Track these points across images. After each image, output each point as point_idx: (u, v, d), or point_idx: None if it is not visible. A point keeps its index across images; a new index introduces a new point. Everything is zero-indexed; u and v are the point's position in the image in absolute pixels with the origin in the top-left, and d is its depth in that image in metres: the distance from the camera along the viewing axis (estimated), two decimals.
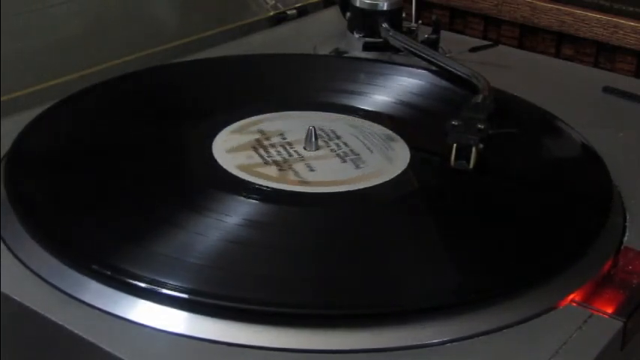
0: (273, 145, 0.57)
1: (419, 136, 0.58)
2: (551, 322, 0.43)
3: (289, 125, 0.59)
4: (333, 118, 0.61)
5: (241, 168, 0.53)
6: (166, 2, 0.77)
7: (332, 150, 0.56)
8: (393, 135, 0.58)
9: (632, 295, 0.45)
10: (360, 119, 0.60)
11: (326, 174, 0.53)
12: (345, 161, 0.55)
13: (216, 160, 0.54)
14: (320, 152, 0.56)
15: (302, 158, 0.55)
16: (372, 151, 0.56)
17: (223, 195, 0.50)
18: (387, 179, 0.53)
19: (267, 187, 0.51)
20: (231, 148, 0.56)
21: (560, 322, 0.43)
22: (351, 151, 0.56)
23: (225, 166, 0.53)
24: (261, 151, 0.56)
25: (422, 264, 0.46)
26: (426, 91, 0.65)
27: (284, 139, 0.57)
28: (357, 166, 0.54)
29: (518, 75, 0.72)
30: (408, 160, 0.55)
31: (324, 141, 0.57)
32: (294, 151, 0.56)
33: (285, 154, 0.55)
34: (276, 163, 0.54)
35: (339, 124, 0.60)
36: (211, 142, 0.56)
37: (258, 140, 0.57)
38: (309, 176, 0.53)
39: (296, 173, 0.53)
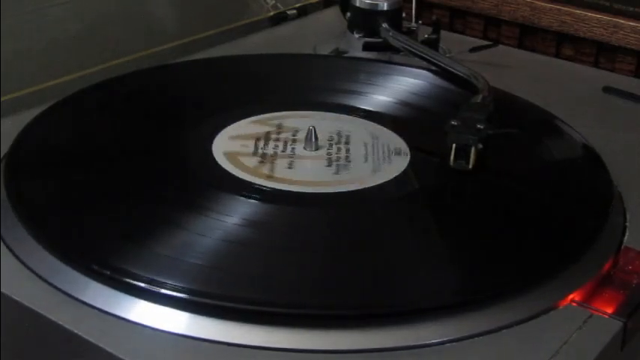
0: (277, 139, 0.57)
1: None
2: (551, 322, 0.43)
3: (308, 124, 0.57)
4: (358, 124, 0.60)
5: (226, 155, 0.54)
6: (166, 2, 0.77)
7: (328, 153, 0.56)
8: (404, 149, 0.56)
9: (632, 295, 0.45)
10: (385, 129, 0.59)
11: (300, 174, 0.53)
12: (329, 165, 0.54)
13: (210, 147, 0.55)
14: (314, 153, 0.56)
15: (291, 155, 0.55)
16: (366, 161, 0.55)
17: (195, 177, 0.51)
18: (354, 189, 0.51)
19: (230, 174, 0.52)
20: (236, 135, 0.56)
21: (560, 322, 0.43)
22: (346, 157, 0.55)
23: (214, 151, 0.54)
24: (261, 142, 0.56)
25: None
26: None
27: (294, 135, 0.57)
28: (337, 172, 0.53)
29: (518, 75, 0.72)
30: (394, 175, 0.53)
31: (330, 144, 0.57)
32: (292, 148, 0.56)
33: (279, 149, 0.55)
34: (262, 155, 0.54)
35: (360, 131, 0.59)
36: (212, 138, 0.56)
37: (268, 132, 0.57)
38: (282, 173, 0.53)
39: (271, 168, 0.53)
